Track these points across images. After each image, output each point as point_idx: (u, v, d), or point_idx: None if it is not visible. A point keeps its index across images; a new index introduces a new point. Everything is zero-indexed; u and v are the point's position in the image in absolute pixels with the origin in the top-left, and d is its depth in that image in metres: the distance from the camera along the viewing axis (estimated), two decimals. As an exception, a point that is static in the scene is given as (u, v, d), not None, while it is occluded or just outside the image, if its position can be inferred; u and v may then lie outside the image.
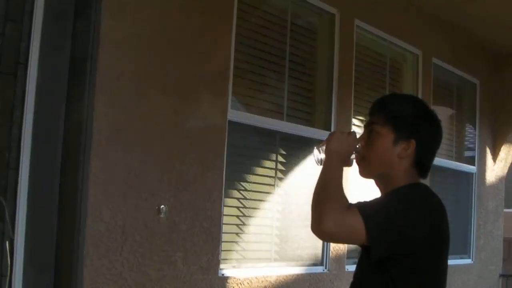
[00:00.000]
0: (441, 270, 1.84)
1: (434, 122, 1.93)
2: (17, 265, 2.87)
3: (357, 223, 1.69)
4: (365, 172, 1.97)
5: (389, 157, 1.88)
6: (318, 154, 1.98)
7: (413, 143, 1.86)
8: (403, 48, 5.59)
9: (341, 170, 1.91)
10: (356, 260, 2.03)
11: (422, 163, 1.91)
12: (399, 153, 1.87)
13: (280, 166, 4.36)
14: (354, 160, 1.99)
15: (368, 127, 1.95)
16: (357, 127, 5.02)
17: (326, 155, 1.94)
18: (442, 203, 1.87)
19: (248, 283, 3.88)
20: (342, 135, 1.93)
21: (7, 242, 2.83)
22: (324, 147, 1.95)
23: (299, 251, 4.37)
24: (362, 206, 1.75)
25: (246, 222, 4.03)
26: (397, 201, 1.78)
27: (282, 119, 4.33)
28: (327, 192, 1.81)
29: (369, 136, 1.93)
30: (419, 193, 1.83)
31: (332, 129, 4.65)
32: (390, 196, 1.82)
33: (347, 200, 1.78)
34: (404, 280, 1.76)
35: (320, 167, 1.94)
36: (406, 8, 5.50)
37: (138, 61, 3.29)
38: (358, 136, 1.99)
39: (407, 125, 1.88)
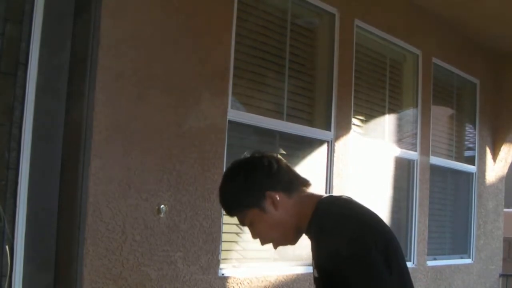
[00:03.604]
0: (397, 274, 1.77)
1: (254, 167, 1.88)
2: (17, 265, 2.87)
3: None
4: (290, 242, 1.94)
5: (277, 220, 1.85)
6: None
7: (268, 194, 1.83)
8: (403, 48, 5.59)
9: None
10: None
11: (291, 185, 1.87)
12: (274, 208, 1.83)
13: (280, 166, 4.35)
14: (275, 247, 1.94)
15: (244, 225, 1.92)
16: (357, 127, 5.03)
17: None
18: (359, 210, 1.82)
19: (248, 283, 3.88)
20: None
21: (7, 242, 2.83)
22: None
23: (299, 251, 4.36)
24: None
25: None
26: (359, 270, 1.69)
27: (282, 119, 4.33)
28: None
29: (253, 228, 1.90)
30: (344, 237, 1.72)
31: (332, 129, 4.65)
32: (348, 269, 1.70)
33: None
34: None
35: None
36: (406, 8, 5.50)
37: (138, 61, 3.29)
38: None
39: (250, 194, 1.84)
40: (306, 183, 1.92)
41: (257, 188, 1.84)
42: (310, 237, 1.86)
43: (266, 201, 1.84)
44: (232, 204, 1.91)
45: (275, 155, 1.95)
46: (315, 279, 1.84)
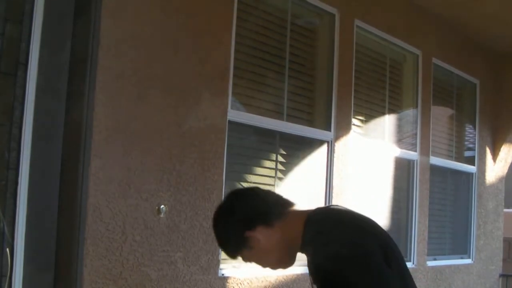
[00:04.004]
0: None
1: (227, 216, 1.95)
2: (17, 265, 2.87)
3: None
4: (287, 264, 1.97)
5: (266, 251, 1.90)
6: None
7: (247, 234, 1.88)
8: (403, 48, 5.59)
9: None
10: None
11: (269, 214, 1.91)
12: (258, 244, 1.89)
13: (280, 166, 4.36)
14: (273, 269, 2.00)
15: (244, 260, 1.98)
16: (357, 127, 5.03)
17: None
18: (352, 215, 1.85)
19: (248, 283, 3.88)
20: None
21: (7, 242, 2.83)
22: None
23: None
24: None
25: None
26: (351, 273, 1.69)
27: (282, 119, 4.33)
28: None
29: (252, 260, 1.96)
30: (335, 247, 1.73)
31: (332, 129, 4.66)
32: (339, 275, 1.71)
33: None
34: None
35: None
36: (406, 8, 5.50)
37: (138, 61, 3.29)
38: None
39: (233, 241, 1.92)
40: (288, 204, 1.96)
41: (237, 234, 1.90)
42: (306, 253, 1.88)
43: (249, 240, 1.89)
44: (228, 252, 1.99)
45: (248, 189, 2.08)
46: None
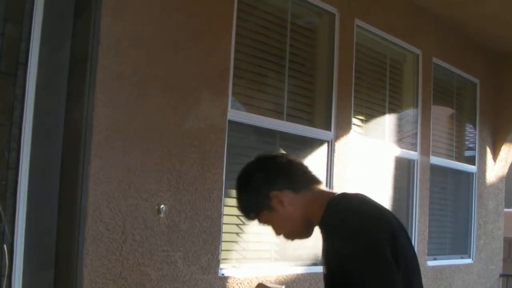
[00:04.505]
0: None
1: (256, 174, 2.00)
2: (17, 265, 2.87)
3: None
4: (302, 236, 2.03)
5: (287, 216, 1.94)
6: None
7: (273, 194, 1.93)
8: (403, 48, 5.59)
9: None
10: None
11: (298, 182, 1.97)
12: (282, 206, 1.93)
13: (280, 166, 4.35)
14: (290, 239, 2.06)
15: (263, 224, 2.03)
16: (357, 127, 5.03)
17: None
18: (368, 206, 1.91)
19: (248, 283, 3.88)
20: None
21: (6, 242, 2.83)
22: None
23: (299, 251, 4.37)
24: None
25: (246, 222, 4.03)
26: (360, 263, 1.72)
27: (282, 119, 4.33)
28: None
29: (268, 223, 2.01)
30: (351, 234, 1.77)
31: (332, 129, 4.66)
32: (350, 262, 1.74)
33: None
34: None
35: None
36: (406, 8, 5.50)
37: (138, 61, 3.29)
38: None
39: (256, 200, 1.97)
40: (317, 181, 2.01)
41: (262, 193, 1.94)
42: (321, 232, 1.91)
43: (273, 201, 1.93)
44: (246, 211, 2.02)
45: (280, 154, 2.10)
46: (324, 275, 1.88)
